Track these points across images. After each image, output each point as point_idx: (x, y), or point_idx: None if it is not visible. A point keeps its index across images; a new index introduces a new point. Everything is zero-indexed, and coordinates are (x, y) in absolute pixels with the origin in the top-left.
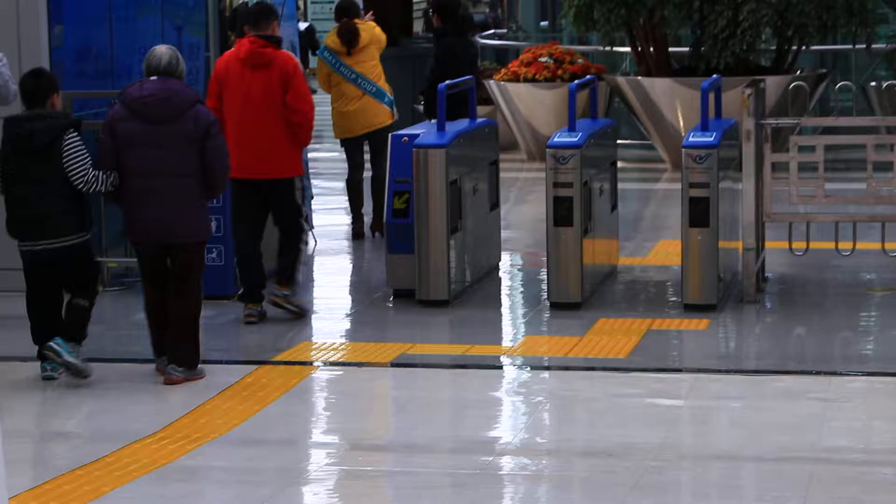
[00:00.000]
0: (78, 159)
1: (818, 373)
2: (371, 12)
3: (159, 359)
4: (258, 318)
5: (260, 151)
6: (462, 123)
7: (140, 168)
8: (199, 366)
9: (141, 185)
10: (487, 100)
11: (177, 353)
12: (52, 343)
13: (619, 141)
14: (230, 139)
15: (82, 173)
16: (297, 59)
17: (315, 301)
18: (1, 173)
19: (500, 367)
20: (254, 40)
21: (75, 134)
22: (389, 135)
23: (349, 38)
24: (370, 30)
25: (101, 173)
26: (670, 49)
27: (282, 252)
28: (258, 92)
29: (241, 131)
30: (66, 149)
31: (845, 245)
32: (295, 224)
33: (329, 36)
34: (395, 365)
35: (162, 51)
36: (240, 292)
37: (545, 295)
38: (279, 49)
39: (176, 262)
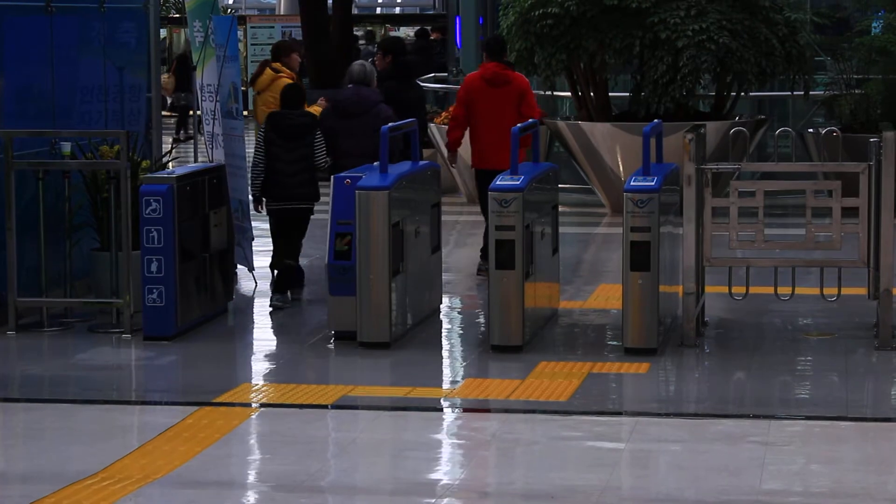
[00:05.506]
0: (323, 147)
1: (757, 416)
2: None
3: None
4: None
5: (501, 149)
6: (404, 166)
7: (342, 150)
8: None
9: (343, 163)
10: (428, 143)
11: None
12: (273, 301)
13: (559, 185)
14: (476, 140)
15: (324, 156)
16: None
17: (255, 343)
18: (265, 153)
19: (441, 410)
20: (496, 65)
21: (319, 130)
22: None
23: (254, 76)
24: (275, 77)
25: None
26: (610, 94)
27: None
28: (499, 103)
29: (485, 133)
30: (317, 139)
31: (784, 290)
32: None
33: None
34: (335, 407)
35: (357, 66)
36: None
37: (486, 338)
38: (514, 71)
39: None
